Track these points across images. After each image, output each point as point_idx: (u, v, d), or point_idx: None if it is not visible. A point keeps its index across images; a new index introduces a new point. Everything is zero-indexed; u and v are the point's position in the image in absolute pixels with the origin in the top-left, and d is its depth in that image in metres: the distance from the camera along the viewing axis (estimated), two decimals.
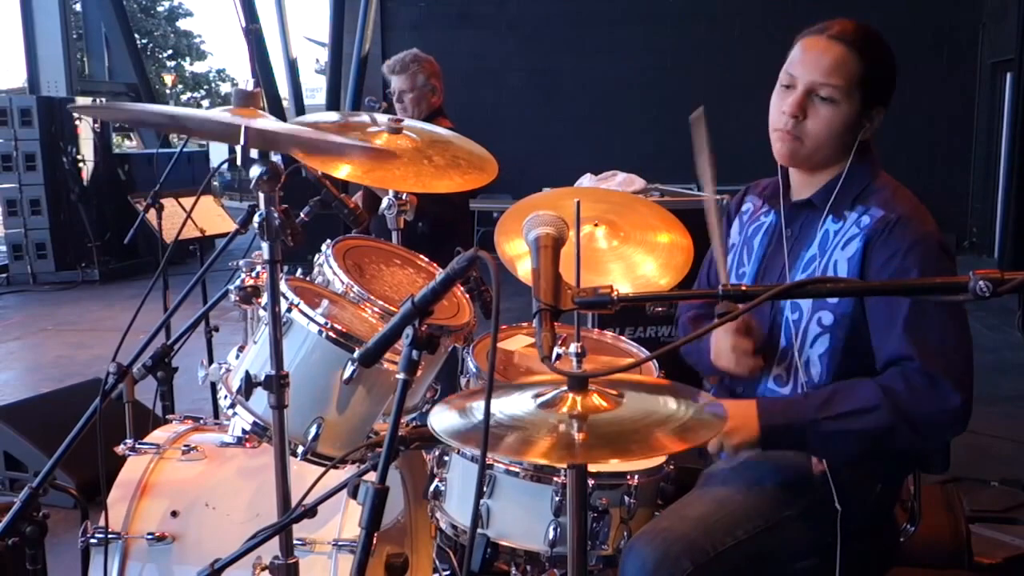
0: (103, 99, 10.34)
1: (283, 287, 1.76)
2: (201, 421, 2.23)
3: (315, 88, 20.81)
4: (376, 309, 1.90)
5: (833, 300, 1.73)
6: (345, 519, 1.89)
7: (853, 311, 1.72)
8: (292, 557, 1.64)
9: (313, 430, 1.73)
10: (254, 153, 1.56)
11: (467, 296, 2.15)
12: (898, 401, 1.61)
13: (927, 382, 1.61)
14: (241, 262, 1.96)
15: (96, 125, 9.58)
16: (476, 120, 6.32)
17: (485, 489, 1.77)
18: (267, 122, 1.53)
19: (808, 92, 1.73)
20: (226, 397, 1.80)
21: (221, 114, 1.55)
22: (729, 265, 1.98)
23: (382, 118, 2.45)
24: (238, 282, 1.93)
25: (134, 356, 1.95)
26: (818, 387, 1.75)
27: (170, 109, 1.73)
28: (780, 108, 1.77)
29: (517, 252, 2.19)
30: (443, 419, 1.31)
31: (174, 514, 1.96)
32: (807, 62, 1.74)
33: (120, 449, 2.04)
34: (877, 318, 1.69)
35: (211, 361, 2.60)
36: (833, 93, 1.72)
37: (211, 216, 4.31)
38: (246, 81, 1.63)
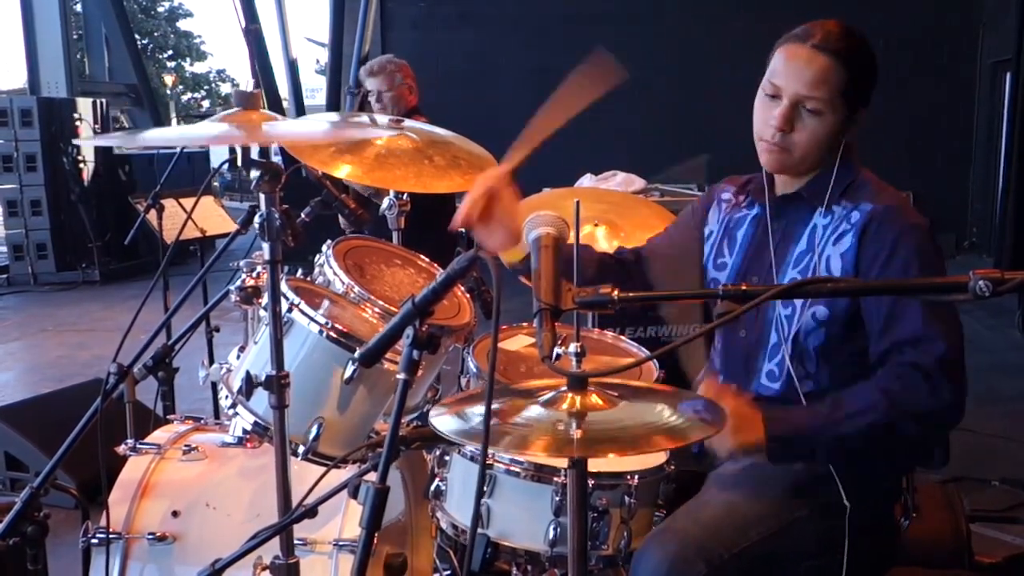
0: (103, 99, 10.31)
1: (284, 287, 1.76)
2: (202, 421, 2.24)
3: (315, 88, 20.80)
4: (377, 309, 1.90)
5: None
6: (346, 519, 1.90)
7: (850, 305, 1.73)
8: (293, 557, 1.64)
9: (314, 430, 1.74)
10: (255, 154, 1.56)
11: (467, 296, 2.15)
12: (896, 399, 1.62)
13: (919, 375, 1.62)
14: (242, 262, 1.97)
15: (96, 126, 9.58)
16: (476, 120, 6.31)
17: (485, 489, 1.77)
18: (272, 126, 1.53)
19: (794, 104, 1.72)
20: (227, 397, 1.80)
21: (227, 129, 1.55)
22: (707, 253, 1.98)
23: (382, 118, 2.45)
24: (239, 282, 1.94)
25: (135, 356, 1.95)
26: (816, 382, 1.76)
27: (176, 132, 1.71)
28: (766, 120, 1.76)
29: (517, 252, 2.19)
30: (444, 420, 1.31)
31: (175, 514, 1.96)
32: (791, 73, 1.72)
33: (121, 449, 2.04)
34: (868, 310, 1.70)
35: (212, 361, 2.60)
36: (819, 105, 1.71)
37: (212, 216, 4.31)
38: (246, 82, 1.63)
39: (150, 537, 1.92)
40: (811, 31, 1.73)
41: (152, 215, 3.93)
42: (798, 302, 1.76)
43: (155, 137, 1.76)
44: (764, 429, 1.65)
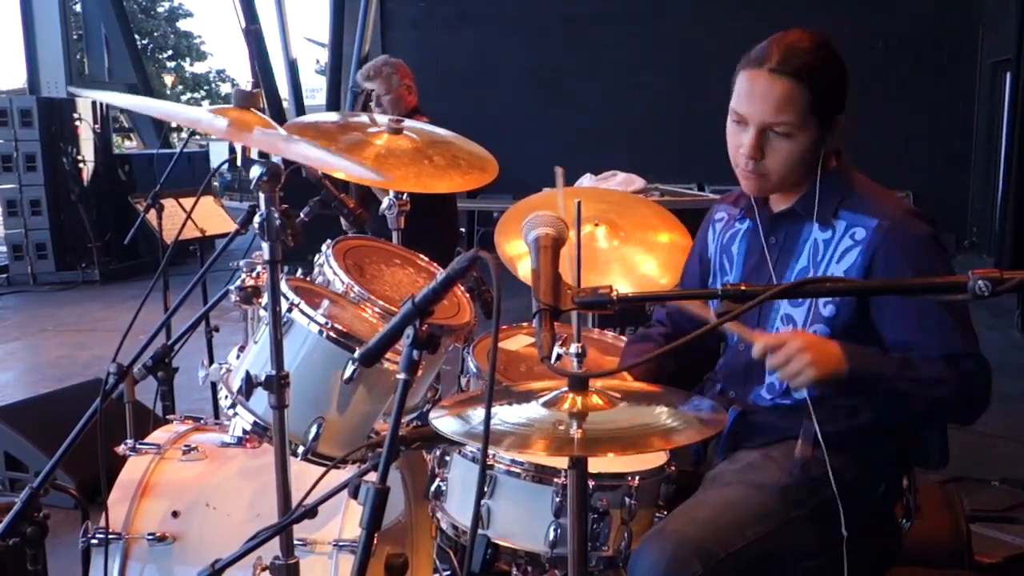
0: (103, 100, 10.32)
1: (283, 287, 1.76)
2: (202, 421, 2.24)
3: (315, 88, 20.79)
4: (376, 309, 1.90)
5: (829, 313, 1.73)
6: (346, 519, 1.89)
7: (850, 321, 1.72)
8: (292, 557, 1.64)
9: (314, 430, 1.73)
10: (254, 154, 1.56)
11: (467, 296, 2.15)
12: (964, 381, 1.67)
13: (985, 368, 1.71)
14: (241, 262, 1.97)
15: (96, 126, 9.58)
16: (476, 120, 6.30)
17: (486, 489, 1.77)
18: (263, 132, 1.52)
19: (762, 131, 1.70)
20: (227, 397, 1.80)
21: (218, 120, 1.55)
22: (712, 273, 1.99)
23: (382, 118, 2.45)
24: (238, 282, 1.94)
25: (134, 356, 1.95)
26: (813, 397, 1.75)
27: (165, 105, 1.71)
28: (737, 146, 1.75)
29: (517, 252, 2.19)
30: (446, 421, 1.31)
31: (175, 514, 1.96)
32: (753, 100, 1.70)
33: (121, 449, 2.04)
34: (907, 325, 1.70)
35: (211, 361, 2.60)
36: (788, 129, 1.69)
37: (211, 216, 4.31)
38: (246, 82, 1.64)
39: (150, 537, 1.92)
40: (768, 53, 1.70)
41: (152, 215, 3.93)
42: (799, 320, 1.76)
43: (142, 105, 1.69)
44: (845, 360, 1.62)
